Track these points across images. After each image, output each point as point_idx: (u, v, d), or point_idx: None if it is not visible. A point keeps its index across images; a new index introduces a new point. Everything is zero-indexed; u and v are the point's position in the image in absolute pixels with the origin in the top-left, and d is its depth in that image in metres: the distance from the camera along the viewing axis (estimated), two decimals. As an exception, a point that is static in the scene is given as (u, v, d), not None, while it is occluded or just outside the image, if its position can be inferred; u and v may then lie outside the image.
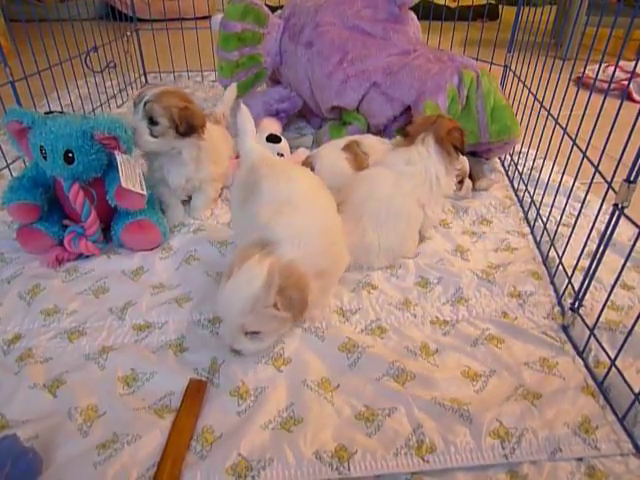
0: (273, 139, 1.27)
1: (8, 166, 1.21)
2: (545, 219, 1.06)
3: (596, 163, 0.81)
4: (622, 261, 0.71)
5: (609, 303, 0.78)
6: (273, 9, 1.66)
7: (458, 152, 1.07)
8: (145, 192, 1.00)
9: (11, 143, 1.01)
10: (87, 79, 1.72)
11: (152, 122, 1.03)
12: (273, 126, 1.38)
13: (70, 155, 0.94)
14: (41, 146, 0.94)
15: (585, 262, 0.83)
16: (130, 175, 0.98)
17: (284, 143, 1.27)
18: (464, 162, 1.20)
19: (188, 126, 1.05)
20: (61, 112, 1.03)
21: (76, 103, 1.62)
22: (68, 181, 0.97)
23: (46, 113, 1.01)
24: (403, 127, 1.10)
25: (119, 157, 0.97)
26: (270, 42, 1.56)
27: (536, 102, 1.17)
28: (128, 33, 2.03)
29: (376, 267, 0.99)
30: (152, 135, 1.04)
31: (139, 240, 1.03)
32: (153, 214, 1.05)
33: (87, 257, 1.02)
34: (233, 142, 1.32)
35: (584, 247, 0.85)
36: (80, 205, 0.97)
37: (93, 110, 1.68)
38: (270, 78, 1.72)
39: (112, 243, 1.05)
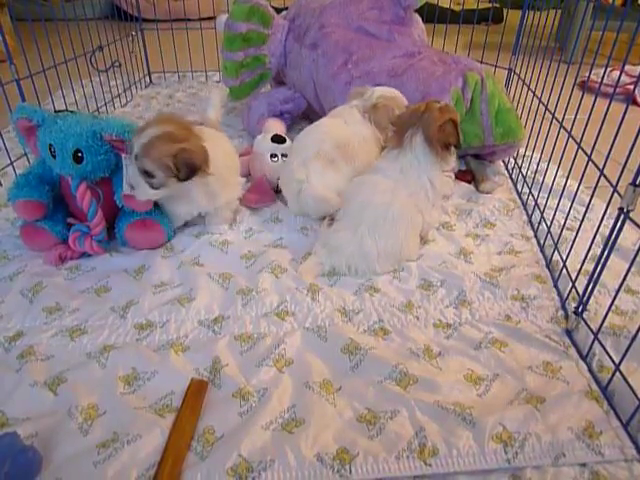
0: (278, 140, 1.27)
1: (12, 164, 1.22)
2: (549, 222, 1.06)
3: (601, 167, 0.81)
4: (627, 265, 0.71)
5: (613, 308, 0.77)
6: (278, 10, 1.67)
7: (451, 148, 1.02)
8: None
9: (18, 140, 1.00)
10: (92, 78, 1.73)
11: (148, 175, 0.92)
12: (278, 127, 1.38)
13: (79, 154, 0.94)
14: (50, 144, 0.94)
15: (589, 266, 0.83)
16: None
17: (289, 144, 1.27)
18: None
19: (189, 170, 0.93)
20: (71, 111, 1.03)
21: (80, 102, 1.63)
22: (76, 180, 0.97)
23: (56, 112, 1.01)
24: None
25: (125, 161, 0.96)
26: (275, 43, 1.57)
27: (540, 105, 1.17)
28: (133, 33, 2.04)
29: (379, 272, 0.98)
30: (153, 187, 0.94)
31: (143, 239, 1.03)
32: (157, 213, 1.05)
33: (89, 255, 1.01)
34: (231, 145, 1.20)
35: (588, 251, 0.84)
36: (87, 205, 0.97)
37: (97, 109, 1.69)
38: (274, 79, 1.72)
39: (115, 241, 1.05)
